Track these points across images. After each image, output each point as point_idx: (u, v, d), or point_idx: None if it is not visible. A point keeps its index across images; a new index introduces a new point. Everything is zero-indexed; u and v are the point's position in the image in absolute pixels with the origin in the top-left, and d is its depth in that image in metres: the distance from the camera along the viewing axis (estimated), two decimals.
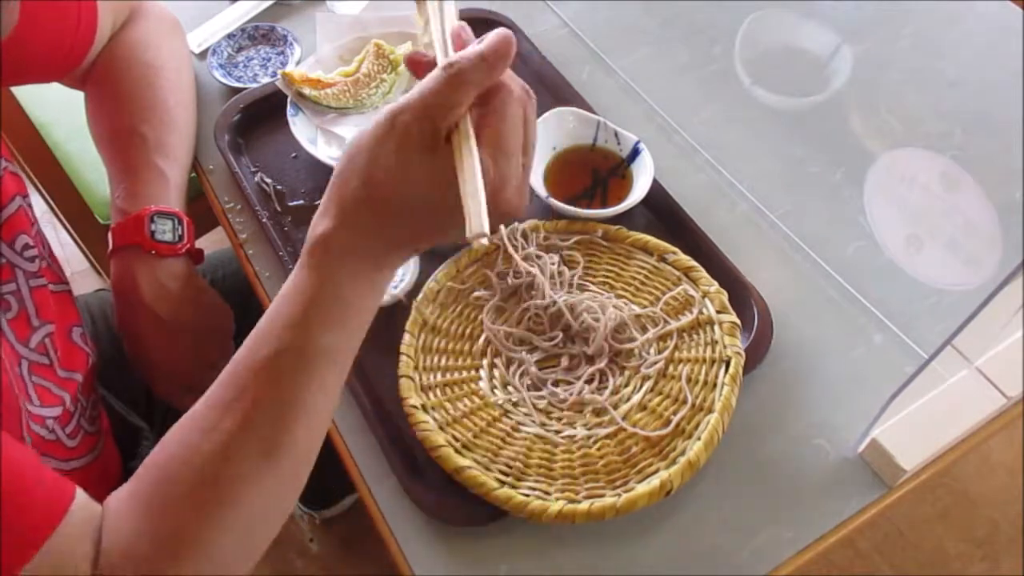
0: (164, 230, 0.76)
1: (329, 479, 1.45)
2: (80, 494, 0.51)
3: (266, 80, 0.94)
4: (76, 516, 0.49)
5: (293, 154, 0.88)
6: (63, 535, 0.48)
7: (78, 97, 0.84)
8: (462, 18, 0.97)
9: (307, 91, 0.88)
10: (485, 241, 0.45)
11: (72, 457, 0.66)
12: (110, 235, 0.77)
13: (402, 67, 0.91)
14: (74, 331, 0.68)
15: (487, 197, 0.46)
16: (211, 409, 0.52)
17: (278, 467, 0.51)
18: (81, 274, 1.73)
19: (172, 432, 0.53)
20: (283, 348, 0.51)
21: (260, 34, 1.00)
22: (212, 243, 0.98)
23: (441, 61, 0.50)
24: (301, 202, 0.85)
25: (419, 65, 0.54)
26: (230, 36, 0.99)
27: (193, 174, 0.86)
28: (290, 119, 0.86)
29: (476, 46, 0.49)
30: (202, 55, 0.97)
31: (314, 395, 0.52)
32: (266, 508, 0.52)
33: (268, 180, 0.86)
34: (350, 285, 0.51)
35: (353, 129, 0.89)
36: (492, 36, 0.49)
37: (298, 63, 0.95)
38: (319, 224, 0.51)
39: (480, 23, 0.98)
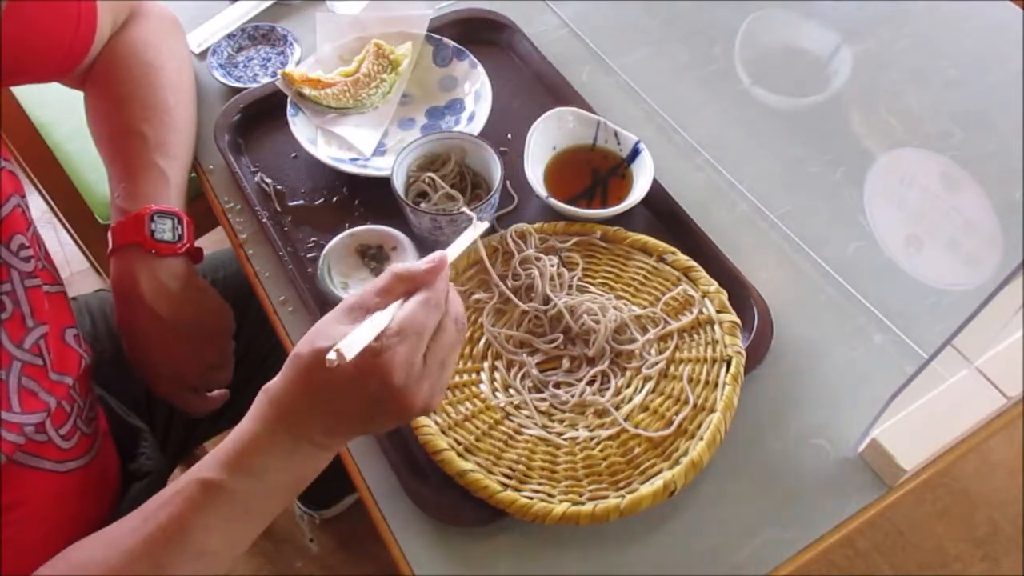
0: (164, 229, 0.76)
1: (329, 479, 1.45)
2: None
3: (266, 80, 0.94)
4: None
5: (293, 154, 0.88)
6: None
7: (78, 97, 0.84)
8: (462, 18, 0.98)
9: (307, 91, 0.88)
10: (333, 356, 0.50)
11: (68, 458, 0.66)
12: (110, 234, 0.77)
13: (402, 67, 0.91)
14: (67, 333, 0.68)
15: (371, 349, 0.51)
16: (125, 524, 0.56)
17: None
18: (81, 274, 1.73)
19: (89, 541, 0.57)
20: (199, 479, 0.54)
21: (260, 34, 0.99)
22: (212, 243, 0.98)
23: None
24: (301, 202, 0.85)
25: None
26: (230, 36, 0.99)
27: (193, 174, 0.86)
28: (290, 119, 0.86)
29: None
30: (202, 55, 0.97)
31: (218, 532, 0.55)
32: None
33: (268, 180, 0.86)
34: (278, 443, 0.55)
35: (353, 129, 0.89)
36: (431, 266, 0.56)
37: (298, 63, 0.95)
38: (278, 379, 0.56)
39: (480, 23, 0.98)
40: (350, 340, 0.50)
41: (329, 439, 0.56)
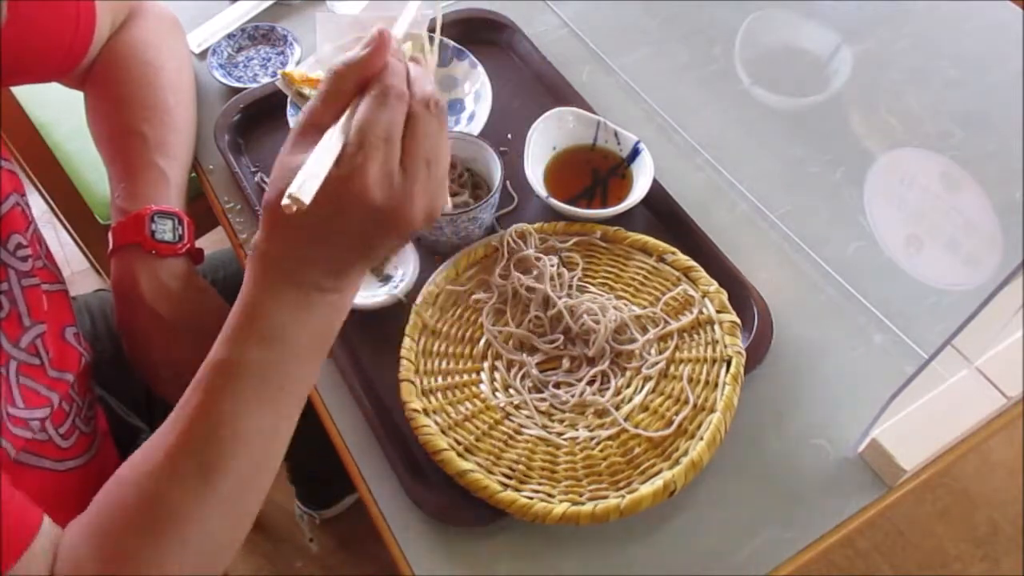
0: (164, 230, 0.76)
1: (329, 479, 1.45)
2: (46, 523, 0.51)
3: (266, 80, 0.94)
4: (39, 545, 0.49)
5: None
6: (25, 564, 0.48)
7: (78, 97, 0.84)
8: (462, 18, 0.98)
9: (307, 91, 0.88)
10: (288, 201, 0.44)
11: (67, 457, 0.66)
12: (110, 235, 0.77)
13: None
14: (67, 331, 0.68)
15: (337, 176, 0.45)
16: (159, 430, 0.51)
17: (215, 489, 0.50)
18: (81, 274, 1.73)
19: (126, 461, 0.53)
20: (213, 362, 0.50)
21: (260, 34, 0.99)
22: (212, 243, 0.98)
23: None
24: None
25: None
26: (230, 36, 0.99)
27: (193, 174, 0.86)
28: (290, 119, 0.86)
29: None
30: (202, 55, 0.97)
31: (249, 414, 0.50)
32: (211, 532, 0.51)
33: (268, 180, 0.86)
34: (283, 300, 0.50)
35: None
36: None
37: (298, 63, 0.95)
38: (257, 235, 0.51)
39: (480, 23, 0.98)
40: (301, 179, 0.44)
41: (336, 280, 0.51)
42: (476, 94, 0.90)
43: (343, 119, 0.47)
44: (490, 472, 0.66)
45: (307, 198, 0.44)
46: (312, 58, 0.92)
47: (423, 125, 0.48)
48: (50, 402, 0.63)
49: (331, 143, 0.46)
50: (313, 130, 0.47)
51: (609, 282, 0.77)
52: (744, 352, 0.70)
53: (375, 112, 0.46)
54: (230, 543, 0.53)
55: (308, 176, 0.44)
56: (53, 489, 0.65)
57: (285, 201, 0.43)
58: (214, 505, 0.50)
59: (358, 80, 0.48)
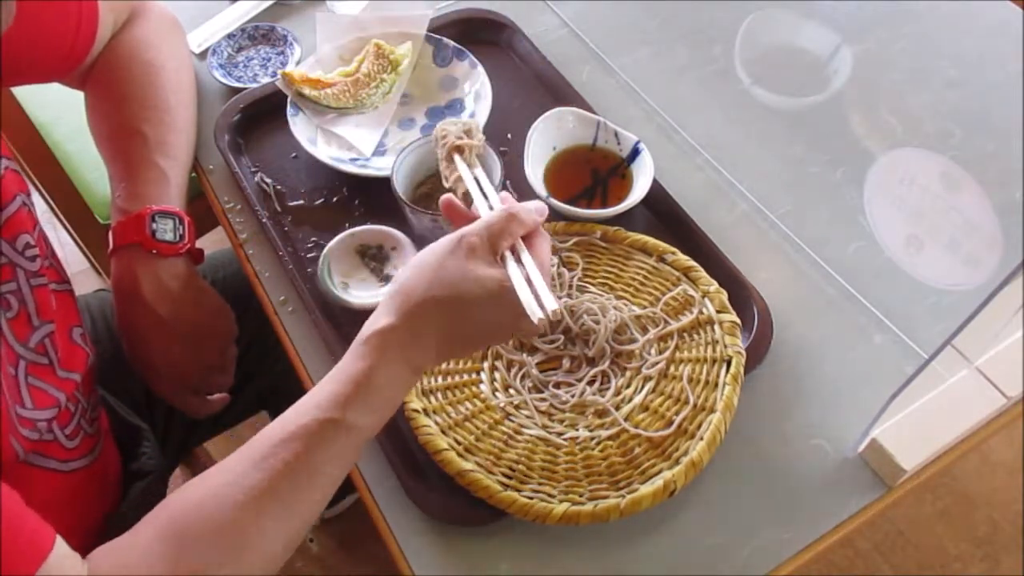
0: (165, 229, 0.76)
1: None
2: (59, 545, 0.51)
3: (266, 80, 0.94)
4: (51, 568, 0.50)
5: (293, 154, 0.88)
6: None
7: (78, 97, 0.84)
8: (463, 18, 0.98)
9: (307, 91, 0.88)
10: (545, 315, 0.56)
11: (72, 458, 0.66)
12: (111, 234, 0.77)
13: (402, 67, 0.91)
14: (74, 331, 0.68)
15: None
16: (242, 464, 0.55)
17: (290, 523, 0.56)
18: (81, 274, 1.73)
19: (199, 482, 0.56)
20: (321, 419, 0.55)
21: (260, 34, 0.99)
22: (212, 243, 0.98)
23: (483, 211, 0.64)
24: (301, 202, 0.85)
25: (454, 212, 0.65)
26: (230, 36, 0.99)
27: (193, 174, 0.86)
28: (290, 119, 0.86)
29: (527, 204, 0.62)
30: (202, 55, 0.97)
31: (334, 467, 0.57)
32: (274, 556, 0.56)
33: (268, 180, 0.86)
34: (396, 378, 0.57)
35: (353, 129, 0.89)
36: (535, 202, 0.63)
37: (298, 63, 0.95)
38: (380, 319, 0.58)
39: (480, 23, 0.98)
40: (528, 304, 0.56)
41: (438, 363, 0.61)
42: (476, 94, 0.90)
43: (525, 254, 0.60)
44: (490, 472, 0.66)
45: (549, 310, 0.57)
46: (312, 58, 0.92)
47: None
48: (57, 402, 0.63)
49: (521, 277, 0.58)
50: (484, 251, 0.59)
51: (609, 282, 0.77)
52: (744, 352, 0.70)
53: (545, 250, 0.62)
54: (278, 565, 0.57)
55: (528, 300, 0.56)
56: (59, 490, 0.65)
57: (551, 315, 0.56)
58: (284, 536, 0.56)
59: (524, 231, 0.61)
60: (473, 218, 0.63)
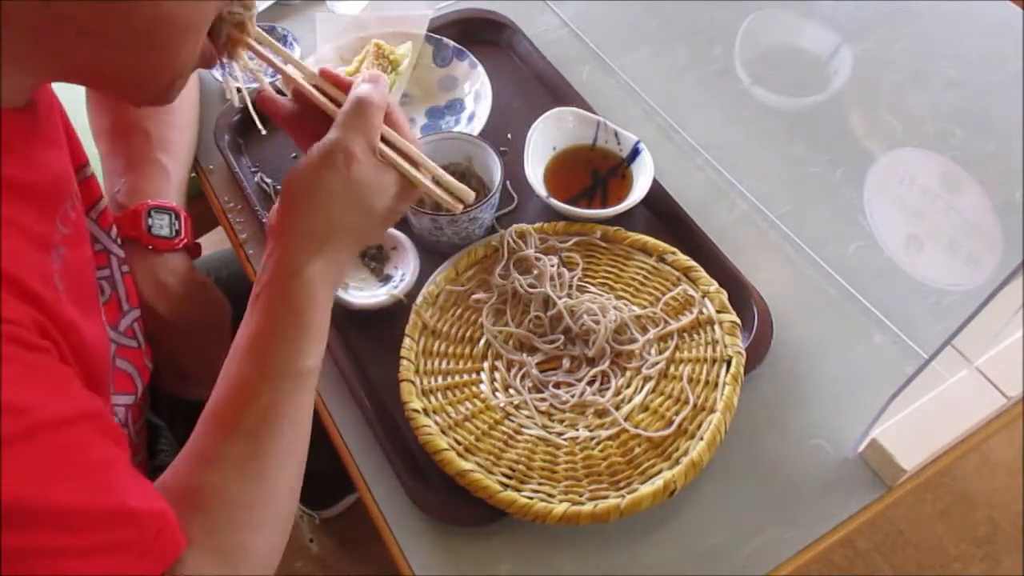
0: (161, 225, 0.76)
1: (329, 479, 1.44)
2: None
3: (266, 80, 0.94)
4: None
5: (293, 154, 0.88)
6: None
7: (78, 96, 0.84)
8: (463, 18, 0.98)
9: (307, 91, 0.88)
10: (460, 208, 0.61)
11: (135, 453, 0.68)
12: None
13: (403, 67, 0.91)
14: None
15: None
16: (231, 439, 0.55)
17: (291, 477, 0.57)
18: None
19: (204, 467, 0.55)
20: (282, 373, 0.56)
21: None
22: (212, 243, 0.98)
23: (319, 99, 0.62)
24: None
25: (273, 108, 0.65)
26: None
27: (193, 174, 0.86)
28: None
29: (357, 78, 0.60)
30: None
31: (305, 412, 0.58)
32: (288, 506, 0.57)
33: (268, 180, 0.86)
34: (326, 308, 0.58)
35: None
36: (367, 73, 0.61)
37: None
38: (293, 266, 0.56)
39: (480, 23, 0.98)
40: (442, 196, 0.62)
41: (352, 253, 0.61)
42: (476, 94, 0.90)
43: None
44: (490, 472, 0.66)
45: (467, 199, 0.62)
46: (312, 58, 0.92)
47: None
48: (135, 390, 0.65)
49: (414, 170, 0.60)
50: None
51: (609, 282, 0.77)
52: (744, 352, 0.70)
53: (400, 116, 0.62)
54: (290, 514, 0.58)
55: (440, 192, 0.61)
56: None
57: (459, 207, 0.62)
58: (293, 489, 0.57)
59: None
60: (289, 109, 0.64)
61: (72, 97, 0.89)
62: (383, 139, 0.59)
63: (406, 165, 0.59)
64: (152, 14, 0.47)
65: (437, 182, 0.62)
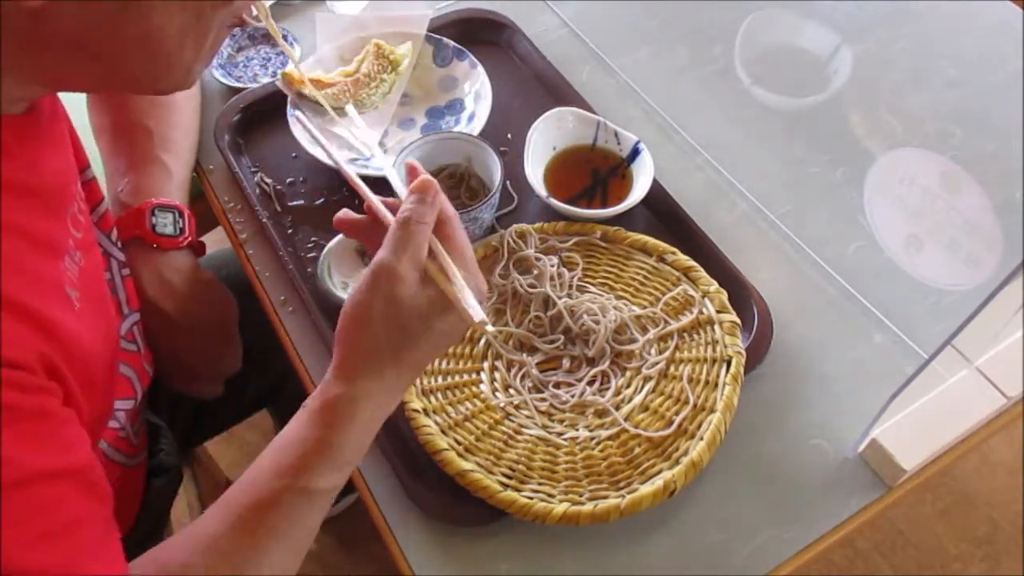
0: (165, 223, 0.76)
1: None
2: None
3: (266, 80, 0.94)
4: None
5: (293, 154, 0.88)
6: None
7: (78, 97, 0.84)
8: (463, 18, 0.98)
9: (307, 91, 0.88)
10: (490, 327, 0.55)
11: (136, 453, 0.68)
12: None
13: (402, 67, 0.91)
14: None
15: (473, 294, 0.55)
16: (216, 526, 0.54)
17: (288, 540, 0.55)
18: None
19: (195, 547, 0.54)
20: (281, 488, 0.54)
21: (260, 34, 0.99)
22: (212, 243, 0.97)
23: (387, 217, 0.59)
24: (301, 202, 0.85)
25: (348, 226, 0.62)
26: (230, 36, 0.98)
27: (193, 174, 0.86)
28: (290, 119, 0.86)
29: (405, 192, 0.58)
30: None
31: (302, 530, 0.55)
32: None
33: (268, 180, 0.86)
34: (356, 438, 0.56)
35: (353, 129, 0.89)
36: (415, 183, 0.57)
37: (298, 63, 0.94)
38: (331, 387, 0.55)
39: (480, 23, 0.98)
40: (472, 308, 0.54)
41: (401, 391, 0.58)
42: (476, 94, 0.90)
43: (441, 254, 0.57)
44: (490, 472, 0.66)
45: (485, 316, 0.54)
46: (312, 58, 0.92)
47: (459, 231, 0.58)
48: (135, 395, 0.65)
49: (456, 279, 0.55)
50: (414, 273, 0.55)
51: (609, 282, 0.77)
52: (744, 352, 0.70)
53: (460, 233, 0.58)
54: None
55: (470, 303, 0.54)
56: (123, 486, 0.66)
57: (490, 328, 0.55)
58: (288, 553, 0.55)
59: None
60: (368, 222, 0.61)
61: (70, 97, 0.89)
62: (432, 253, 0.57)
63: (443, 279, 0.56)
64: (143, 27, 0.46)
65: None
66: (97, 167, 0.78)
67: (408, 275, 0.54)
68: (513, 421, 0.69)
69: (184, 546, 0.53)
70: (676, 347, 0.72)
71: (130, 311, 0.68)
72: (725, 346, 0.71)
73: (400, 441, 0.69)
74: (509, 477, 0.66)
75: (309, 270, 0.80)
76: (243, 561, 0.52)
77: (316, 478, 0.54)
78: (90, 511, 0.47)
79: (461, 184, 0.83)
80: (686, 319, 0.73)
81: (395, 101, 0.91)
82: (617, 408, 0.69)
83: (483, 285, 0.57)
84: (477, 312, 0.54)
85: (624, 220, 0.80)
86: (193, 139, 0.85)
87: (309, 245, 0.82)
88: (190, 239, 0.77)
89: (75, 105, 0.85)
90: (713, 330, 0.72)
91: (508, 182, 0.84)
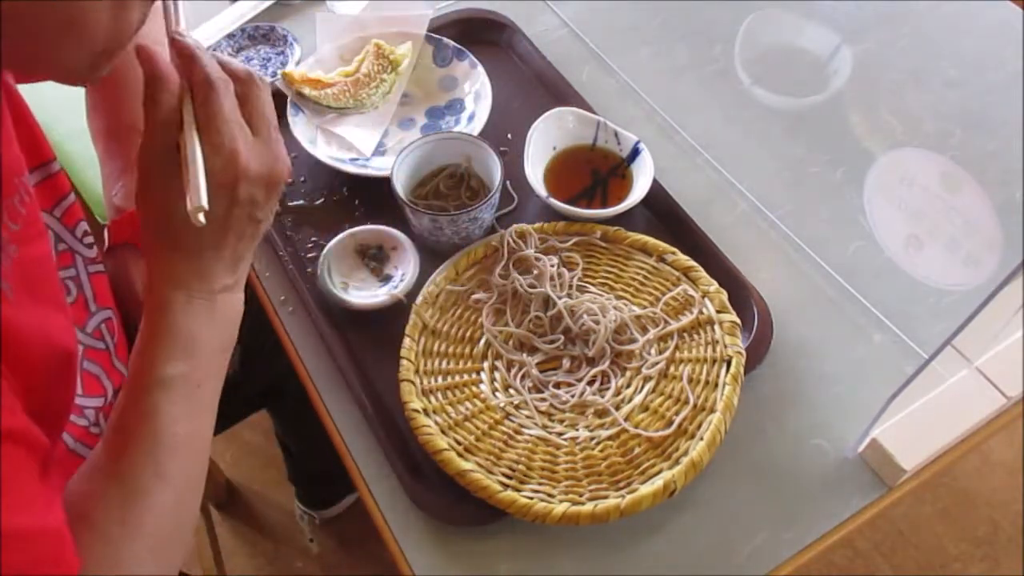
0: None
1: (329, 479, 1.45)
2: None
3: (266, 80, 0.94)
4: None
5: (293, 154, 0.88)
6: None
7: (78, 97, 0.84)
8: (463, 18, 0.98)
9: (307, 91, 0.88)
10: (202, 217, 0.49)
11: None
12: (106, 233, 0.77)
13: (402, 67, 0.91)
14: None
15: (210, 171, 0.50)
16: (101, 448, 0.54)
17: (169, 488, 0.53)
18: None
19: (77, 476, 0.54)
20: (143, 384, 0.53)
21: (260, 34, 0.99)
22: None
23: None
24: (301, 202, 0.85)
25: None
26: (230, 36, 0.98)
27: None
28: (290, 119, 0.86)
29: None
30: None
31: (181, 419, 0.53)
32: (167, 536, 0.54)
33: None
34: (195, 314, 0.54)
35: (354, 129, 0.89)
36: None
37: (298, 63, 0.95)
38: (147, 270, 0.54)
39: (480, 23, 0.98)
40: (193, 190, 0.48)
41: (234, 273, 0.55)
42: (476, 94, 0.90)
43: (186, 127, 0.50)
44: (490, 472, 0.66)
45: (206, 201, 0.48)
46: (312, 58, 0.92)
47: (253, 93, 0.53)
48: (105, 392, 0.64)
49: (194, 147, 0.49)
50: (163, 156, 0.50)
51: (609, 282, 0.77)
52: (744, 352, 0.70)
53: (214, 103, 0.50)
54: (190, 517, 0.56)
55: (195, 185, 0.48)
56: None
57: (199, 216, 0.48)
58: (171, 499, 0.53)
59: (175, 92, 0.51)
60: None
61: (67, 97, 0.89)
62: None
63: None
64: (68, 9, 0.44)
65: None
66: (86, 165, 0.78)
67: (159, 149, 0.51)
68: (513, 421, 0.69)
69: (79, 479, 0.53)
70: (676, 347, 0.72)
71: (98, 308, 0.67)
72: (725, 346, 0.71)
73: (400, 441, 0.69)
74: (509, 477, 0.66)
75: (309, 270, 0.80)
76: (130, 473, 0.51)
77: (160, 367, 0.52)
78: (25, 466, 0.47)
79: (461, 184, 0.83)
80: (686, 319, 0.73)
81: (395, 101, 0.91)
82: (617, 408, 0.69)
83: (273, 154, 0.53)
84: (195, 195, 0.48)
85: (624, 220, 0.80)
86: None
87: (309, 245, 0.82)
88: None
89: (73, 107, 0.85)
90: (713, 330, 0.72)
91: (508, 182, 0.84)
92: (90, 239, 0.67)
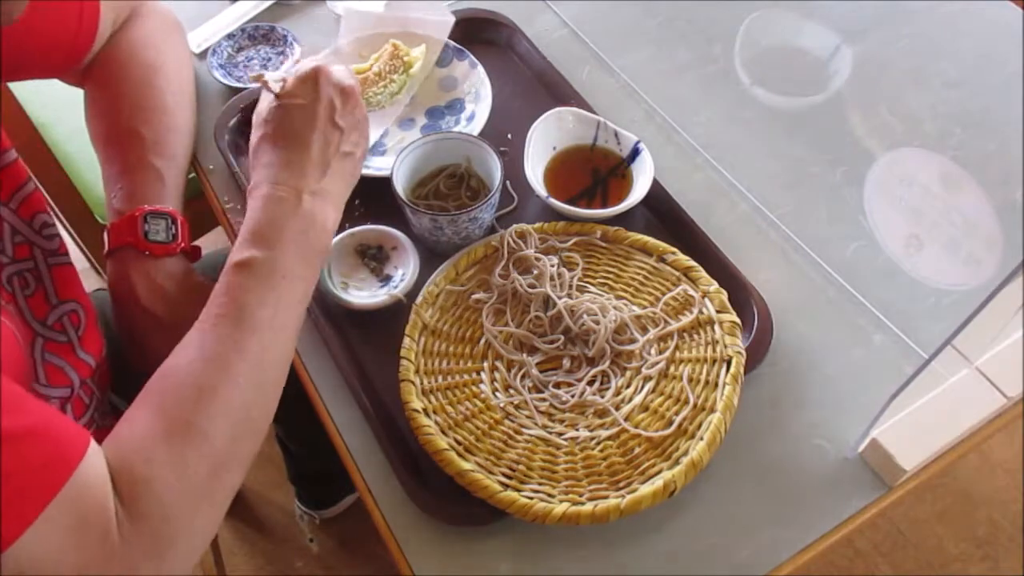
0: (158, 230, 0.75)
1: (329, 479, 1.45)
2: (92, 443, 0.54)
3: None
4: (93, 456, 0.53)
5: None
6: (84, 472, 0.51)
7: (78, 97, 0.84)
8: (463, 18, 0.98)
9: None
10: (278, 85, 0.69)
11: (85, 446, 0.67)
12: (105, 235, 0.77)
13: (414, 69, 0.90)
14: (99, 317, 0.69)
15: (296, 71, 0.70)
16: (191, 333, 0.61)
17: (246, 361, 0.59)
18: (81, 274, 1.73)
19: (170, 359, 0.61)
20: (231, 265, 0.62)
21: (260, 34, 0.99)
22: (212, 243, 0.98)
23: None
24: None
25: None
26: (230, 36, 0.98)
27: (193, 174, 0.86)
28: None
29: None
30: (202, 55, 0.97)
31: (266, 309, 0.60)
32: (247, 398, 0.59)
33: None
34: (276, 209, 0.64)
35: None
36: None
37: (297, 63, 0.94)
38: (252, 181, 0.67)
39: (480, 23, 0.98)
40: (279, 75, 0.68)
41: (321, 180, 0.66)
42: (476, 94, 0.90)
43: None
44: (490, 472, 0.66)
45: (280, 83, 0.67)
46: (327, 50, 0.92)
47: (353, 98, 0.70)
48: (71, 384, 0.64)
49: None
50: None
51: (609, 282, 0.77)
52: (744, 352, 0.70)
53: (326, 76, 0.68)
54: (264, 410, 0.61)
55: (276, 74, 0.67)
56: None
57: (276, 85, 0.67)
58: (246, 374, 0.59)
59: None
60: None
61: (69, 98, 0.89)
62: None
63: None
64: None
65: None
66: (96, 171, 0.78)
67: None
68: (513, 421, 0.69)
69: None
70: (676, 347, 0.72)
71: (59, 301, 0.68)
72: (725, 346, 0.71)
73: (400, 441, 0.69)
74: (509, 477, 0.66)
75: None
76: (212, 346, 0.59)
77: (242, 249, 0.62)
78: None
79: (461, 184, 0.83)
80: (686, 319, 0.73)
81: (403, 103, 0.91)
82: (617, 408, 0.69)
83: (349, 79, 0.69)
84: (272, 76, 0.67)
85: (624, 220, 0.80)
86: (188, 142, 0.85)
87: None
88: (183, 245, 0.77)
89: (73, 107, 0.85)
90: (713, 330, 0.72)
91: (508, 182, 0.84)
92: (51, 231, 0.68)
